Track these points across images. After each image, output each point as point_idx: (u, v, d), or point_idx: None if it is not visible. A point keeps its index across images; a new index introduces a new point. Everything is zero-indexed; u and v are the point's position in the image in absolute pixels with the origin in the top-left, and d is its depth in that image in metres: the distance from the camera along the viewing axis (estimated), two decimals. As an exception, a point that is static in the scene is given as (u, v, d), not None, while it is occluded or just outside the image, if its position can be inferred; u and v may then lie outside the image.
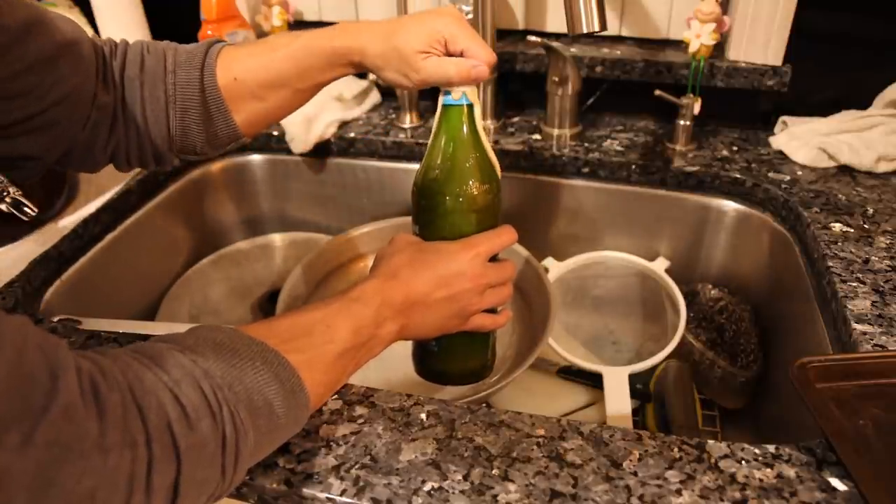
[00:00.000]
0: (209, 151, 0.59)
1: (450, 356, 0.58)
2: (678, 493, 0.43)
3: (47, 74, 0.47)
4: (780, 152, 0.86)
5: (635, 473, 0.44)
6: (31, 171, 0.53)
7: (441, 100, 0.54)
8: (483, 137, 0.54)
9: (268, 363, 0.40)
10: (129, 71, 0.54)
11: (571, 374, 0.80)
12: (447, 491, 0.43)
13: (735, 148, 0.89)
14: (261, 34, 1.00)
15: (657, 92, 0.85)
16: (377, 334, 0.49)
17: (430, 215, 0.55)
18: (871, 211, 0.72)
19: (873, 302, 0.59)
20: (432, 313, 0.52)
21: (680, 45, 0.92)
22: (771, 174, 0.82)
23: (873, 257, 0.65)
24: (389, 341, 0.51)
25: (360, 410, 0.50)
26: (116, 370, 0.33)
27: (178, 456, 0.33)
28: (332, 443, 0.47)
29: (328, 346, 0.45)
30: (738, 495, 0.42)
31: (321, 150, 0.95)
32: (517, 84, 0.99)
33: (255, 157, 0.99)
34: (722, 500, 0.42)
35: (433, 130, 0.55)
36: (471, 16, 0.91)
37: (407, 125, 0.96)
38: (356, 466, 0.45)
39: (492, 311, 0.57)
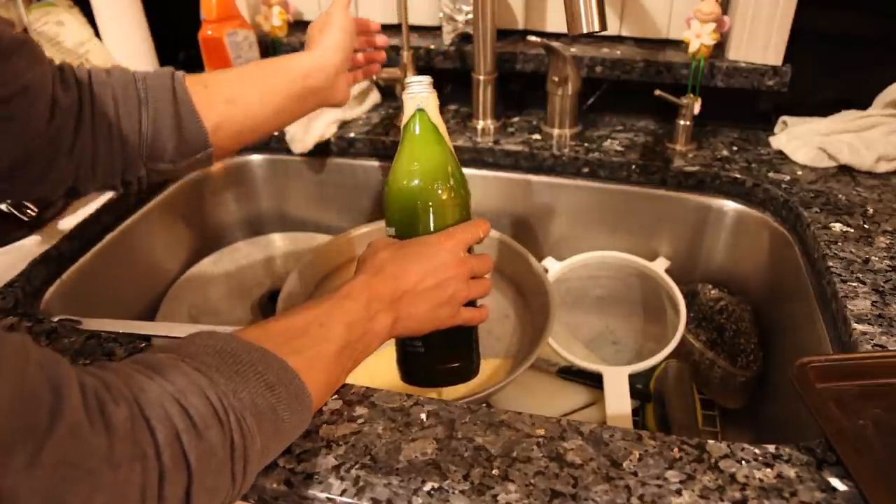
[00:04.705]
0: (178, 160, 0.59)
1: (437, 355, 0.58)
2: (678, 493, 0.43)
3: (1, 66, 0.47)
4: (780, 152, 0.86)
5: (635, 473, 0.44)
6: None
7: (405, 108, 0.58)
8: (446, 138, 0.59)
9: (269, 368, 0.40)
10: (97, 77, 0.55)
11: (571, 374, 0.80)
12: (447, 491, 0.43)
13: (735, 148, 0.89)
14: (261, 34, 1.00)
15: (657, 92, 0.85)
16: (371, 328, 0.50)
17: (404, 215, 0.57)
18: (871, 211, 0.72)
19: (873, 302, 0.59)
20: (423, 303, 0.53)
21: (680, 45, 0.92)
22: (771, 174, 0.82)
23: (873, 257, 0.65)
24: (385, 336, 0.52)
25: (360, 410, 0.50)
26: (120, 383, 0.33)
27: (189, 466, 0.33)
28: (332, 443, 0.47)
29: (325, 346, 0.46)
30: (738, 495, 0.42)
31: (321, 150, 0.95)
32: (517, 84, 0.99)
33: (255, 157, 0.99)
34: (722, 500, 0.42)
35: (401, 136, 0.59)
36: (471, 16, 0.91)
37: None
38: (356, 466, 0.45)
39: (472, 305, 0.58)
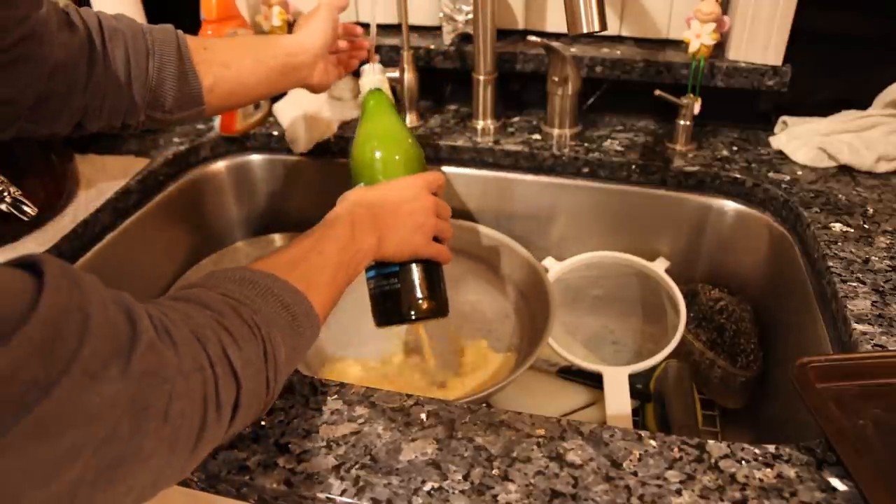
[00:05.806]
0: (175, 112, 0.64)
1: (411, 289, 0.64)
2: (678, 493, 0.43)
3: (8, 9, 0.49)
4: (780, 152, 0.86)
5: (635, 473, 0.44)
6: (5, 123, 0.54)
7: (362, 89, 0.72)
8: (396, 111, 0.71)
9: (284, 291, 0.46)
10: (107, 21, 0.59)
11: (571, 374, 0.80)
12: (447, 491, 0.43)
13: (735, 148, 0.89)
14: (260, 34, 1.00)
15: (657, 92, 0.85)
16: (360, 248, 0.57)
17: (372, 172, 0.67)
18: (871, 211, 0.72)
19: (873, 302, 0.59)
20: (399, 227, 0.61)
21: (680, 45, 0.92)
22: (771, 174, 0.82)
23: (873, 257, 0.65)
24: (372, 254, 0.59)
25: (360, 410, 0.50)
26: (173, 312, 0.38)
27: (236, 374, 0.39)
28: (332, 443, 0.47)
29: (325, 270, 0.52)
30: (738, 495, 0.42)
31: (321, 150, 0.95)
32: (517, 84, 0.99)
33: (255, 157, 0.99)
34: (722, 500, 0.42)
35: (361, 111, 0.72)
36: (471, 16, 0.91)
37: (406, 125, 0.96)
38: (356, 466, 0.45)
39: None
